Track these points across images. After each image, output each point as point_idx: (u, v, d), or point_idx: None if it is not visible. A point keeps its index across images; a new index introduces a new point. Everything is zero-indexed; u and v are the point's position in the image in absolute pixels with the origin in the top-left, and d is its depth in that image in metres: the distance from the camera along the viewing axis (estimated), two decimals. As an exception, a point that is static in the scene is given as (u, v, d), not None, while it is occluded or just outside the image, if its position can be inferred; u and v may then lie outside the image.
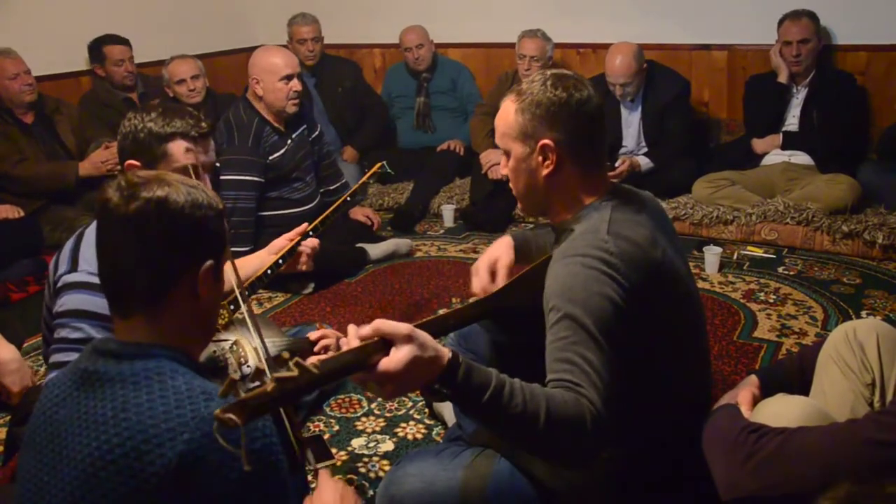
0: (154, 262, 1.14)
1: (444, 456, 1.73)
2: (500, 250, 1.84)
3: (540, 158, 1.53)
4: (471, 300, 1.71)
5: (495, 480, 1.62)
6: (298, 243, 2.16)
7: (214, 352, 1.70)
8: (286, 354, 1.00)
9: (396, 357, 1.14)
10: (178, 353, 1.17)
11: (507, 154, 1.60)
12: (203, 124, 1.92)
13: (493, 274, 1.83)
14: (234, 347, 1.72)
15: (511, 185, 1.63)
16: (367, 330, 1.16)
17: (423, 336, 1.17)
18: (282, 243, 2.16)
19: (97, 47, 4.26)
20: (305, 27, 4.65)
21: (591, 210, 1.54)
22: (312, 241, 2.19)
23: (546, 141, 1.52)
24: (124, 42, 4.25)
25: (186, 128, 1.87)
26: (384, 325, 1.15)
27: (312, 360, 1.07)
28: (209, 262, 1.18)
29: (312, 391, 1.11)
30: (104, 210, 1.15)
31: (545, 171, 1.54)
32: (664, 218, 1.67)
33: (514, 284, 1.65)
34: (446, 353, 1.19)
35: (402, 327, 1.16)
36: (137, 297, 1.16)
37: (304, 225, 2.21)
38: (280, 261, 2.13)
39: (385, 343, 1.15)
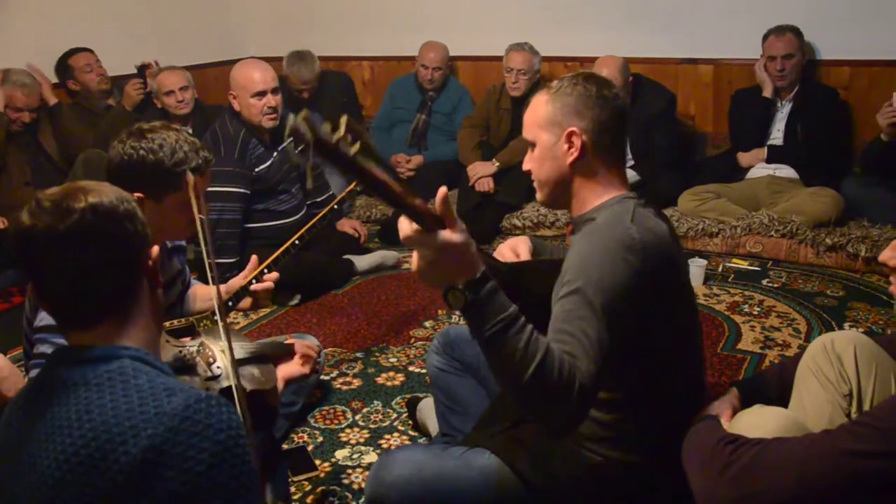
0: (111, 267, 1.14)
1: (433, 448, 1.75)
2: (519, 241, 1.88)
3: (566, 146, 1.59)
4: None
5: (484, 473, 1.62)
6: (251, 282, 2.09)
7: (181, 351, 1.69)
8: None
9: (452, 235, 1.22)
10: (142, 353, 1.17)
11: (533, 146, 1.65)
12: (207, 155, 1.93)
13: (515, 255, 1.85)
14: (201, 349, 1.71)
15: (534, 176, 1.67)
16: (439, 201, 1.22)
17: (472, 241, 1.26)
18: (238, 282, 2.11)
19: (62, 64, 4.26)
20: (305, 69, 4.66)
21: (614, 202, 1.59)
22: (265, 284, 2.11)
23: (573, 128, 1.57)
24: (86, 50, 4.26)
25: (198, 162, 1.88)
26: (453, 209, 1.23)
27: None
28: (155, 248, 1.21)
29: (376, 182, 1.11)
30: (33, 236, 1.12)
31: (570, 159, 1.59)
32: (674, 230, 1.72)
33: (530, 266, 1.70)
34: (482, 265, 1.27)
35: (461, 223, 1.25)
36: (103, 307, 1.16)
37: (254, 259, 2.12)
38: (230, 303, 2.08)
39: (440, 224, 1.22)
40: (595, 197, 1.61)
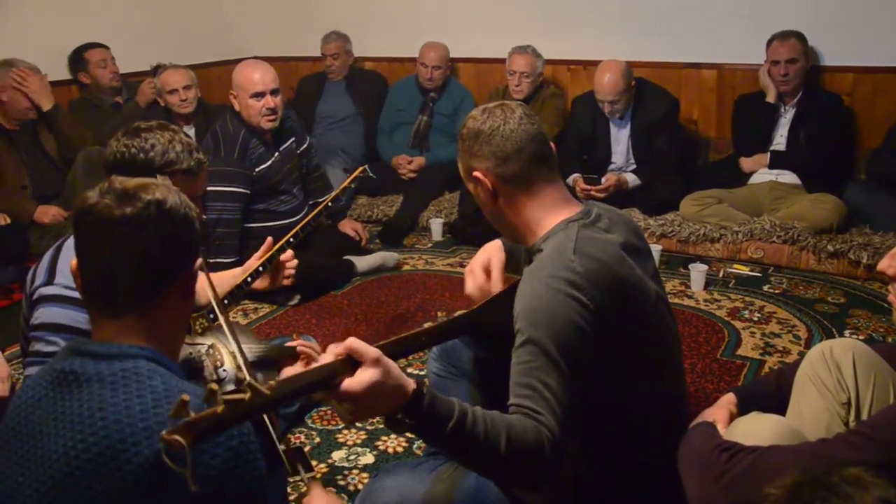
0: (155, 262, 1.17)
1: (420, 470, 1.73)
2: (492, 251, 1.85)
3: (481, 191, 1.59)
4: (441, 317, 1.71)
5: (469, 493, 1.62)
6: (269, 261, 2.10)
7: (190, 353, 1.69)
8: (242, 375, 1.01)
9: (360, 378, 1.15)
10: (158, 354, 1.18)
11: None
12: (201, 157, 1.94)
13: (487, 273, 1.83)
14: (210, 351, 1.71)
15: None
16: (340, 348, 1.17)
17: (391, 364, 1.19)
18: (253, 263, 2.12)
19: (77, 56, 4.29)
20: (328, 39, 4.96)
21: (558, 230, 1.54)
22: (286, 256, 2.13)
23: (476, 173, 1.58)
24: (103, 46, 4.28)
25: (189, 164, 1.89)
26: (355, 343, 1.17)
27: (287, 371, 1.09)
28: (199, 261, 1.24)
29: (268, 411, 1.12)
30: (93, 214, 1.16)
31: (491, 200, 1.59)
32: (638, 237, 1.66)
33: (489, 304, 1.66)
34: (411, 383, 1.21)
35: (372, 351, 1.17)
36: (134, 298, 1.18)
37: (269, 240, 2.14)
38: (248, 279, 2.10)
39: (352, 364, 1.16)
40: (537, 226, 1.58)
